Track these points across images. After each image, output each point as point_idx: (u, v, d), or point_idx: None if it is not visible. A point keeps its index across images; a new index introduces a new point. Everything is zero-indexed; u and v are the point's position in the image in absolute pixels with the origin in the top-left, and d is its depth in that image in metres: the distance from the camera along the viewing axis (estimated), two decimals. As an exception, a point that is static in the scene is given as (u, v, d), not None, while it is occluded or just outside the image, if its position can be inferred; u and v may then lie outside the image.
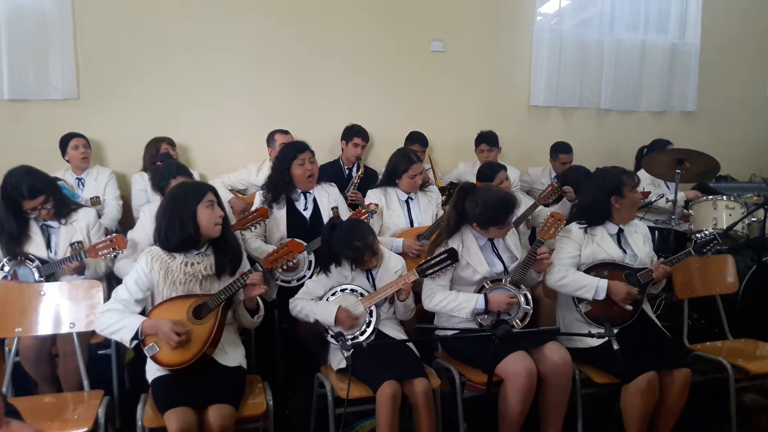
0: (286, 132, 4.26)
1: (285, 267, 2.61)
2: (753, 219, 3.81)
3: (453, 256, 2.64)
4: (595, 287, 2.70)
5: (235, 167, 4.34)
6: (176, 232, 2.37)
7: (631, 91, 5.45)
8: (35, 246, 2.89)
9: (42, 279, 2.80)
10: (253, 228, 3.12)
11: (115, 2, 4.28)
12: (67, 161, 4.01)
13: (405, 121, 4.78)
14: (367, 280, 2.77)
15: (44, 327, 2.60)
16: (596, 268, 2.80)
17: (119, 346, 2.92)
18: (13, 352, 2.62)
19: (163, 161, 3.45)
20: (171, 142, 4.16)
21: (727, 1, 5.63)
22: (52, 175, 3.13)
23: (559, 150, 4.68)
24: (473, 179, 3.97)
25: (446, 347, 2.87)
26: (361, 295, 2.70)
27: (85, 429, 2.20)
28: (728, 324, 3.21)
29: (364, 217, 3.15)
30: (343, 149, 4.47)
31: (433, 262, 2.65)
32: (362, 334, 2.65)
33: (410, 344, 2.70)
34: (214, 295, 2.37)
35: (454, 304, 2.68)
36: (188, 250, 2.42)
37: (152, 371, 2.37)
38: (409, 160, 3.59)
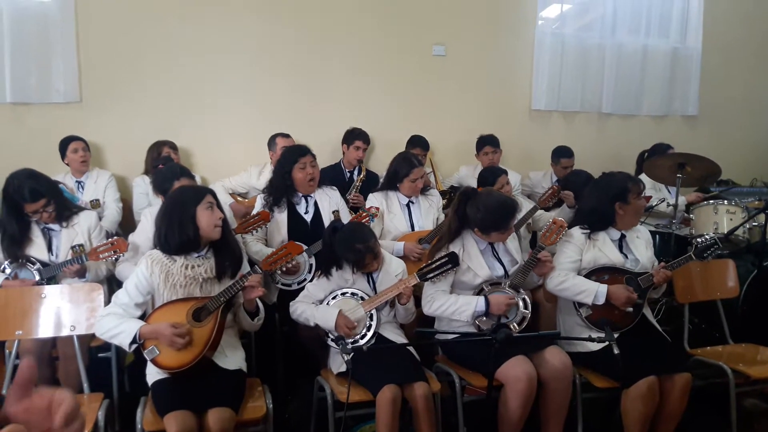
0: (287, 135, 4.26)
1: (284, 269, 2.61)
2: (754, 223, 3.80)
3: (454, 260, 2.64)
4: (595, 292, 2.69)
5: (236, 170, 4.34)
6: (176, 235, 2.38)
7: (633, 95, 5.45)
8: (36, 249, 2.90)
9: (43, 282, 2.81)
10: (254, 231, 3.12)
11: (118, 6, 4.30)
12: (67, 164, 4.01)
13: (406, 125, 4.78)
14: (367, 284, 2.77)
15: (45, 330, 2.60)
16: (597, 273, 2.80)
17: (119, 349, 2.91)
18: (14, 354, 2.62)
19: (164, 164, 3.46)
20: (173, 146, 4.17)
21: (728, 5, 5.63)
22: (53, 179, 3.13)
23: (561, 154, 4.68)
24: (474, 183, 3.97)
25: (446, 351, 2.86)
26: (362, 298, 2.70)
27: (85, 432, 2.21)
28: (729, 328, 3.20)
29: (364, 220, 3.16)
30: (344, 152, 4.47)
31: (434, 266, 2.65)
32: (362, 337, 2.65)
33: (410, 348, 2.70)
34: (213, 297, 2.37)
35: (454, 308, 2.68)
36: (188, 252, 2.42)
37: (152, 374, 2.37)
38: (411, 164, 3.59)
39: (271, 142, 4.27)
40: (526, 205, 3.85)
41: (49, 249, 2.93)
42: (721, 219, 3.85)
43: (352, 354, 2.17)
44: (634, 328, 2.75)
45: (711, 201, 3.98)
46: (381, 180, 3.94)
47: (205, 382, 2.30)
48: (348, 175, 4.43)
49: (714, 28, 5.52)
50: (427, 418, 2.42)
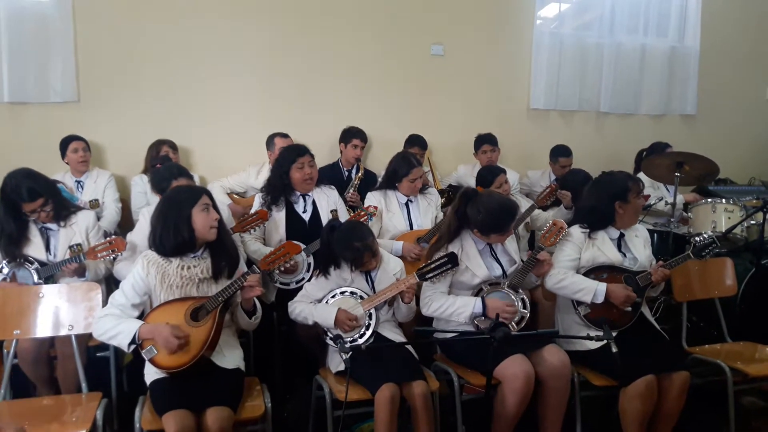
0: (285, 135, 4.26)
1: (282, 268, 2.61)
2: (752, 222, 3.81)
3: (453, 261, 2.64)
4: (594, 290, 2.70)
5: (234, 170, 4.34)
6: (171, 237, 2.37)
7: (631, 95, 5.45)
8: (34, 248, 2.89)
9: (41, 281, 2.80)
10: (252, 230, 3.12)
11: (116, 6, 4.29)
12: (67, 164, 4.01)
13: (404, 124, 4.78)
14: (366, 283, 2.77)
15: (43, 329, 2.60)
16: (595, 271, 2.80)
17: (118, 348, 2.89)
18: (12, 354, 2.62)
19: (162, 163, 3.45)
20: (172, 145, 4.17)
21: (726, 5, 5.63)
22: (52, 178, 3.13)
23: (559, 153, 4.68)
24: (473, 182, 3.98)
25: (445, 350, 2.87)
26: (361, 297, 2.71)
27: (83, 431, 2.20)
28: (727, 327, 3.21)
29: (362, 219, 3.16)
30: (342, 151, 4.47)
31: (433, 265, 2.65)
32: (361, 336, 2.65)
33: (409, 347, 2.70)
34: (211, 297, 2.37)
35: (451, 310, 2.68)
36: (184, 253, 2.42)
37: (150, 374, 2.37)
38: (410, 164, 3.59)
39: (270, 141, 4.26)
40: (524, 205, 3.86)
41: (47, 248, 2.92)
42: (719, 217, 3.86)
43: (351, 353, 2.17)
44: (632, 327, 2.75)
45: (709, 200, 3.98)
46: (379, 179, 3.94)
47: (203, 382, 2.30)
48: (346, 174, 4.43)
49: (712, 28, 5.52)
50: (426, 417, 2.43)
